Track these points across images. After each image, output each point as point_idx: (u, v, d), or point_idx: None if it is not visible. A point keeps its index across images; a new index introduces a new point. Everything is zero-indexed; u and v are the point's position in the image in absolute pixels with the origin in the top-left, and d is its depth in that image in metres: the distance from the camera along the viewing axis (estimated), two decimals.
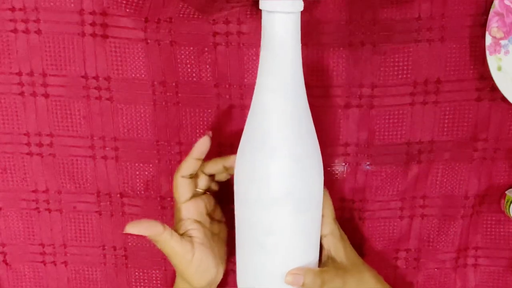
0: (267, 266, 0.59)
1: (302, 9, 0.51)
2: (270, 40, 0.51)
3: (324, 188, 0.61)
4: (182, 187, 0.64)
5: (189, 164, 0.64)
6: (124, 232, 0.60)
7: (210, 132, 0.65)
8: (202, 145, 0.64)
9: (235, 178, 0.59)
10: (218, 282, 0.67)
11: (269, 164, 0.55)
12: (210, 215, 0.67)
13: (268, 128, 0.54)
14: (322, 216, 0.62)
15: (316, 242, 0.61)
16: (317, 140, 0.58)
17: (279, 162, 0.55)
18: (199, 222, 0.64)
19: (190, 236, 0.64)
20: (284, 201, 0.56)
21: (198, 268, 0.63)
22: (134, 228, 0.60)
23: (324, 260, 0.64)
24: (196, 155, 0.64)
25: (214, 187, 0.69)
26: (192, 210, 0.64)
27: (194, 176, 0.65)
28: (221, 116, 0.70)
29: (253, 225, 0.58)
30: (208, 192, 0.67)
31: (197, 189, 0.66)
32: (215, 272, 0.65)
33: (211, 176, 0.67)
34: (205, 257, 0.63)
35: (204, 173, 0.66)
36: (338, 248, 0.64)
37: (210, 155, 0.71)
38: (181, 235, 0.63)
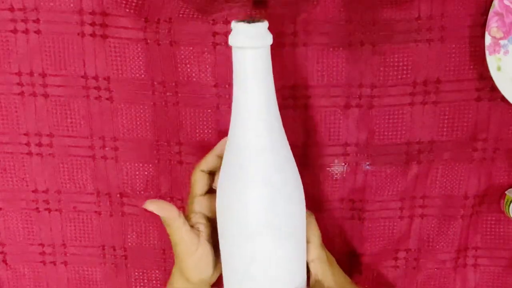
0: None
1: (271, 42, 0.51)
2: (241, 75, 0.51)
3: (309, 212, 0.61)
4: (200, 181, 0.64)
5: (210, 160, 0.64)
6: (143, 206, 0.60)
7: None
8: (225, 143, 0.64)
9: (216, 210, 0.58)
10: (211, 283, 0.67)
11: (246, 195, 0.55)
12: None
13: (244, 161, 0.54)
14: (308, 241, 0.62)
15: (302, 267, 0.60)
16: (296, 168, 0.57)
17: (256, 192, 0.55)
18: (208, 218, 0.65)
19: (198, 230, 0.64)
20: (264, 231, 0.55)
21: (198, 263, 0.63)
22: (153, 205, 0.60)
23: (312, 284, 0.64)
24: (218, 152, 0.64)
25: None
26: (205, 205, 0.64)
27: (212, 173, 0.65)
28: (221, 116, 0.70)
29: (237, 255, 0.57)
30: None
31: (214, 186, 0.66)
32: (211, 272, 0.65)
33: None
34: (206, 254, 0.63)
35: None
36: (326, 272, 0.64)
37: None
38: (191, 226, 0.63)
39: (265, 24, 0.50)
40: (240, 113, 0.53)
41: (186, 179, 0.73)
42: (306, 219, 0.60)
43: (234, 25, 0.50)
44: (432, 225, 0.74)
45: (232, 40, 0.50)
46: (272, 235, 0.56)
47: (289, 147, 0.57)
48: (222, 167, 0.57)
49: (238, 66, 0.51)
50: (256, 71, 0.51)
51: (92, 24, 0.67)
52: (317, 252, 0.63)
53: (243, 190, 0.55)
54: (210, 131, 0.71)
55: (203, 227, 0.63)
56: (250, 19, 0.50)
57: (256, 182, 0.54)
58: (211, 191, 0.65)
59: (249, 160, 0.54)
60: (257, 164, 0.54)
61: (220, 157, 0.63)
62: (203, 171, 0.64)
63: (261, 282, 0.58)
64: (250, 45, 0.50)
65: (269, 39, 0.51)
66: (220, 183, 0.58)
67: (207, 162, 0.64)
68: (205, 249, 0.63)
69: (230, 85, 0.69)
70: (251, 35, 0.49)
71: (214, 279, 0.66)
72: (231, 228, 0.57)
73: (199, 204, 0.64)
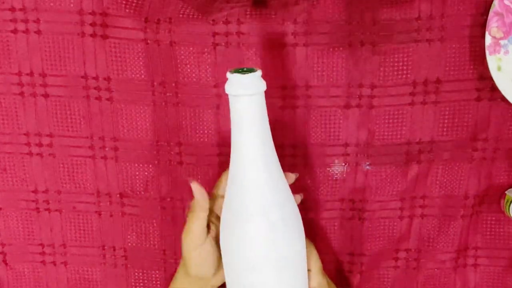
0: None
1: (265, 88, 0.55)
2: (238, 120, 0.55)
3: (309, 242, 0.63)
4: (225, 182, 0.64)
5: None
6: (190, 181, 0.61)
7: None
8: None
9: (220, 241, 0.60)
10: (213, 286, 0.67)
11: (246, 230, 0.57)
12: None
13: (245, 198, 0.57)
14: (309, 270, 0.63)
15: None
16: (295, 204, 0.59)
17: (256, 228, 0.57)
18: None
19: (209, 227, 0.64)
20: (264, 263, 0.58)
21: (200, 257, 0.63)
22: (196, 185, 0.61)
23: None
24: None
25: None
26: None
27: None
28: (221, 116, 0.70)
29: (240, 284, 0.60)
30: None
31: None
32: (212, 272, 0.64)
33: None
34: (211, 252, 0.63)
35: None
36: None
37: (210, 155, 0.71)
38: None
39: (258, 73, 0.54)
40: (238, 153, 0.56)
41: (186, 180, 0.73)
42: (306, 248, 0.61)
43: (229, 75, 0.54)
44: (432, 225, 0.74)
45: (228, 88, 0.54)
46: (272, 268, 0.58)
47: (287, 184, 0.59)
48: (224, 200, 0.59)
49: (235, 111, 0.55)
50: (251, 115, 0.55)
51: (92, 24, 0.67)
52: (318, 280, 0.65)
53: (243, 225, 0.58)
54: (210, 131, 0.71)
55: (214, 227, 0.63)
56: (245, 69, 0.54)
57: (256, 217, 0.57)
58: None
59: (249, 196, 0.57)
60: (256, 200, 0.57)
61: None
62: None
63: None
64: (244, 93, 0.54)
65: (261, 86, 0.54)
66: (223, 217, 0.60)
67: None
68: (210, 246, 0.63)
69: None
70: (245, 85, 0.53)
71: (215, 283, 0.66)
72: (232, 260, 0.60)
73: (218, 205, 0.64)
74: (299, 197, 0.64)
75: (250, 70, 0.54)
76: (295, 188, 0.72)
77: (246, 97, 0.54)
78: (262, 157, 0.56)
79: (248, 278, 0.59)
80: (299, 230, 0.60)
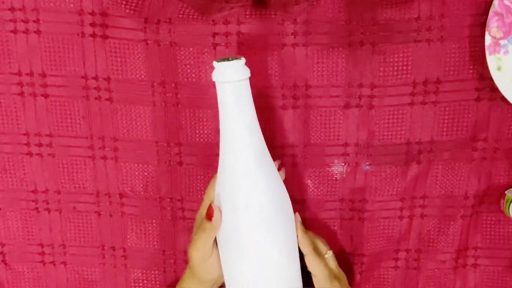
0: None
1: (249, 75, 0.59)
2: (225, 106, 0.59)
3: (320, 246, 0.66)
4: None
5: None
6: (213, 205, 0.61)
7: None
8: None
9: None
10: (220, 284, 0.67)
11: (238, 217, 0.60)
12: None
13: (234, 185, 0.60)
14: (313, 275, 0.65)
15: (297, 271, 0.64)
16: (284, 189, 0.63)
17: (247, 215, 0.60)
18: None
19: None
20: (256, 251, 0.61)
21: (209, 267, 0.64)
22: (217, 211, 0.61)
23: None
24: None
25: None
26: None
27: None
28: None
29: (235, 274, 0.63)
30: None
31: None
32: (220, 273, 0.65)
33: None
34: (217, 258, 0.64)
35: None
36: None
37: (210, 156, 0.71)
38: None
39: (242, 61, 0.58)
40: (227, 139, 0.60)
41: (186, 180, 0.73)
42: (314, 253, 0.64)
43: (215, 64, 0.58)
44: (432, 225, 0.74)
45: (214, 76, 0.59)
46: (264, 255, 0.61)
47: (276, 170, 0.62)
48: (216, 191, 0.62)
49: (222, 98, 0.59)
50: (237, 101, 0.59)
51: (92, 24, 0.67)
52: (324, 286, 0.65)
53: (235, 212, 0.60)
54: (210, 131, 0.71)
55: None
56: (230, 59, 0.58)
57: (245, 204, 0.60)
58: None
59: (238, 182, 0.60)
60: (245, 186, 0.60)
61: None
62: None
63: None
64: (229, 80, 0.58)
65: (246, 73, 0.59)
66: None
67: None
68: (216, 254, 0.64)
69: None
70: (230, 72, 0.58)
71: (223, 279, 0.66)
72: (227, 250, 0.62)
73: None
74: (282, 173, 0.65)
75: (235, 59, 0.58)
76: (294, 188, 0.72)
77: (232, 83, 0.58)
78: (250, 142, 0.59)
79: (241, 265, 0.61)
80: (290, 217, 0.62)
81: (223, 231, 0.61)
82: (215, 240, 0.63)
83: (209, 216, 0.61)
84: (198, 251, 0.63)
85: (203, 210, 0.65)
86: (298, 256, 0.63)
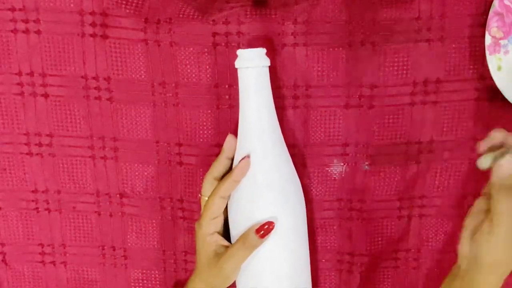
0: None
1: (269, 64, 0.63)
2: (246, 90, 0.63)
3: None
4: (216, 204, 0.64)
5: (221, 163, 0.66)
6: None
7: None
8: (231, 142, 0.65)
9: (229, 214, 0.65)
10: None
11: (254, 198, 0.63)
12: None
13: (252, 164, 0.63)
14: None
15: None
16: (296, 174, 0.66)
17: (262, 194, 0.63)
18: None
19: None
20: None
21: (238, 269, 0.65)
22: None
23: None
24: (228, 154, 0.65)
25: None
26: (220, 224, 0.66)
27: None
28: (221, 117, 0.70)
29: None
30: None
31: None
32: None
33: None
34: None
35: None
36: None
37: (210, 156, 0.71)
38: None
39: (263, 50, 0.63)
40: (246, 120, 0.63)
41: (186, 180, 0.73)
42: None
43: (239, 51, 0.63)
44: (432, 225, 0.74)
45: (237, 63, 0.63)
46: (278, 237, 0.63)
47: (285, 147, 0.66)
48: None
49: (243, 83, 0.63)
50: (257, 85, 0.62)
51: (92, 24, 0.67)
52: None
53: (252, 192, 0.64)
54: (210, 131, 0.71)
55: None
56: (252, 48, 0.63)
57: (261, 184, 0.63)
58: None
59: (255, 160, 0.63)
60: (261, 165, 0.63)
61: (229, 159, 0.64)
62: (216, 178, 0.65)
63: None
64: (250, 65, 0.62)
65: (266, 61, 0.63)
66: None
67: (220, 165, 0.66)
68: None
69: (230, 85, 0.69)
70: (251, 58, 0.62)
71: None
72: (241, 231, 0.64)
73: (214, 225, 0.65)
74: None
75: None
76: None
77: (254, 69, 0.62)
78: (268, 123, 0.63)
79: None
80: (301, 198, 0.66)
81: (238, 210, 0.64)
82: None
83: (264, 234, 0.62)
84: (236, 266, 0.64)
85: (203, 210, 0.65)
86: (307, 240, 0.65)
